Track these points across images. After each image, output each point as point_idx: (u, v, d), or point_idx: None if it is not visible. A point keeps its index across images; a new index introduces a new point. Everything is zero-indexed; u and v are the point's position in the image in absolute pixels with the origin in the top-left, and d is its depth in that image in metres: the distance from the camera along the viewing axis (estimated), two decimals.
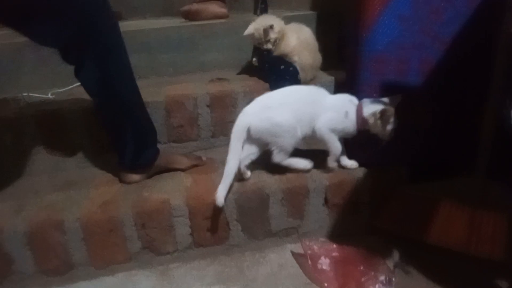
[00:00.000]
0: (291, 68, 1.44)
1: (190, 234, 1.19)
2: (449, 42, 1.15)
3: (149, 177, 1.28)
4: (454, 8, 1.13)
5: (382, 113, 1.14)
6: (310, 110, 1.20)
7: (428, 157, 1.27)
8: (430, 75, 1.18)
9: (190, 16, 1.78)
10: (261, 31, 1.43)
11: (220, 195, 1.13)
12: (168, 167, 1.30)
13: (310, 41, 1.48)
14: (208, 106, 1.41)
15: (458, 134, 1.25)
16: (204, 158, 1.35)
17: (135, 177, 1.26)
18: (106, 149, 1.36)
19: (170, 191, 1.20)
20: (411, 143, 1.25)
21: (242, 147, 1.18)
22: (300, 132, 1.19)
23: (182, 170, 1.31)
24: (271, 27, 1.43)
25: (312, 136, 1.22)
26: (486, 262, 1.04)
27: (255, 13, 1.82)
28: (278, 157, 1.21)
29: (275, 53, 1.47)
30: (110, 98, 1.14)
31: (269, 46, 1.46)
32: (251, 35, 1.46)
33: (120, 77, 1.13)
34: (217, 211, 1.18)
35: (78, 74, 1.11)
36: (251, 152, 1.21)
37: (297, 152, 1.24)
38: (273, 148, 1.20)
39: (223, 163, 1.18)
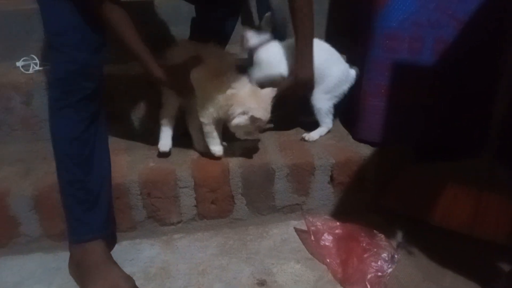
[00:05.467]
0: None
1: (195, 205, 1.20)
2: (466, 21, 1.12)
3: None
4: None
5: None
6: None
7: (437, 137, 1.26)
8: (444, 54, 1.15)
9: None
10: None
11: None
12: None
13: None
14: None
15: (468, 115, 1.23)
16: None
17: None
18: (114, 119, 1.36)
19: (177, 162, 1.20)
20: (420, 122, 1.24)
21: None
22: None
23: None
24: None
25: None
26: (489, 244, 1.04)
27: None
28: None
29: None
30: None
31: None
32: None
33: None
34: (222, 184, 1.18)
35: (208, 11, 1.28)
36: None
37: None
38: None
39: None
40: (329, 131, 1.33)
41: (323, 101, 1.29)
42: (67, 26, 0.97)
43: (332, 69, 1.27)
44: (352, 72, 1.31)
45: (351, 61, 1.34)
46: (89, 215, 1.04)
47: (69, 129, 1.02)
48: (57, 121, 1.04)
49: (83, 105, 1.01)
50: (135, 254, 1.14)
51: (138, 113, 1.38)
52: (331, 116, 1.32)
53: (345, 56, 1.35)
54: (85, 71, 0.99)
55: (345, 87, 1.31)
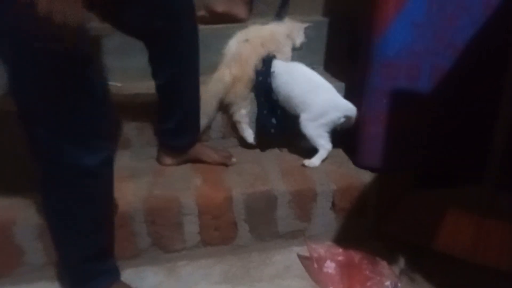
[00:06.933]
0: None
1: (198, 232, 1.21)
2: (463, 49, 1.15)
3: (180, 163, 1.34)
4: (469, 15, 1.12)
5: None
6: None
7: (438, 164, 1.27)
8: (441, 82, 1.17)
9: (208, 19, 1.61)
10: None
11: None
12: (197, 158, 1.34)
13: None
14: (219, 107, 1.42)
15: (468, 142, 1.24)
16: (234, 159, 1.34)
17: (167, 160, 1.33)
18: (119, 146, 1.39)
19: (180, 189, 1.22)
20: (420, 148, 1.25)
21: None
22: None
23: (209, 163, 1.34)
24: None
25: None
26: (492, 271, 1.04)
27: (277, 15, 1.68)
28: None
29: None
30: (177, 93, 1.23)
31: None
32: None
33: (189, 75, 1.23)
34: (225, 211, 1.19)
35: (151, 60, 1.19)
36: None
37: None
38: None
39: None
40: (329, 155, 1.33)
41: (310, 128, 1.30)
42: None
43: (314, 99, 1.29)
44: (345, 103, 1.30)
45: (349, 89, 1.36)
46: (108, 259, 1.04)
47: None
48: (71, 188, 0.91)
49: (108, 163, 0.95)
50: (139, 282, 1.14)
51: (142, 140, 1.40)
52: (325, 138, 1.31)
53: (343, 84, 1.38)
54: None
55: (333, 115, 1.29)
